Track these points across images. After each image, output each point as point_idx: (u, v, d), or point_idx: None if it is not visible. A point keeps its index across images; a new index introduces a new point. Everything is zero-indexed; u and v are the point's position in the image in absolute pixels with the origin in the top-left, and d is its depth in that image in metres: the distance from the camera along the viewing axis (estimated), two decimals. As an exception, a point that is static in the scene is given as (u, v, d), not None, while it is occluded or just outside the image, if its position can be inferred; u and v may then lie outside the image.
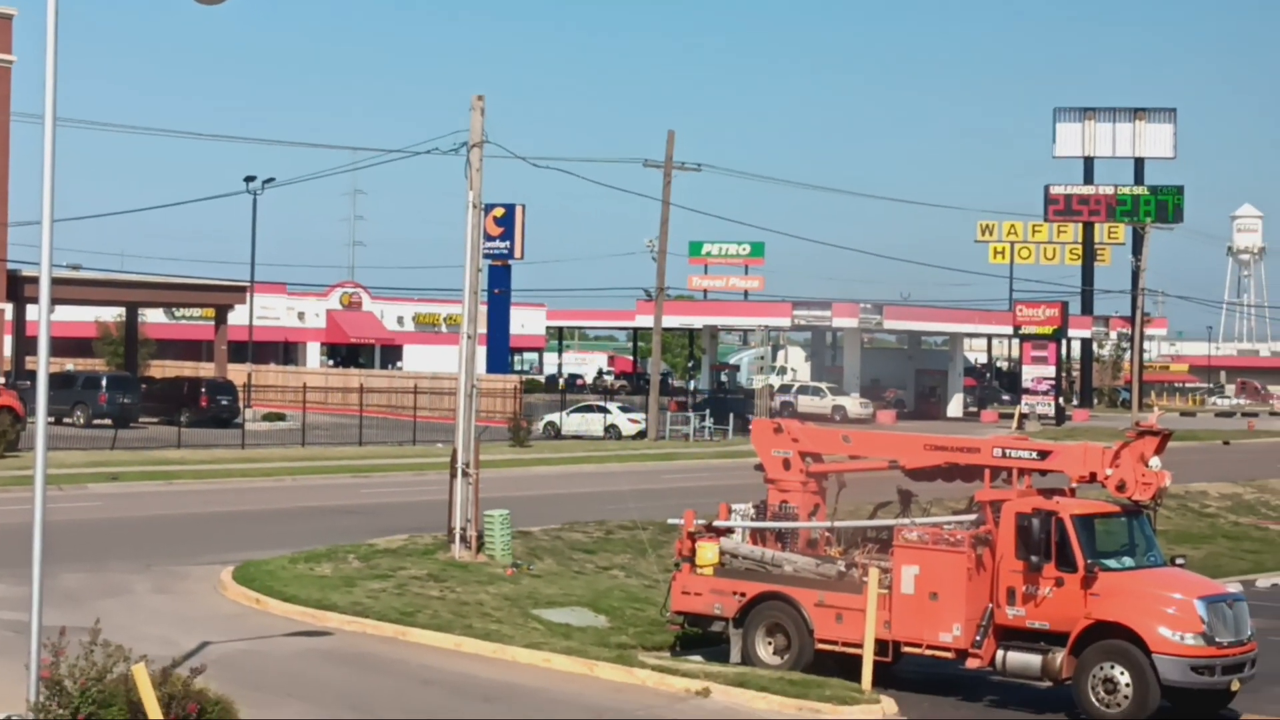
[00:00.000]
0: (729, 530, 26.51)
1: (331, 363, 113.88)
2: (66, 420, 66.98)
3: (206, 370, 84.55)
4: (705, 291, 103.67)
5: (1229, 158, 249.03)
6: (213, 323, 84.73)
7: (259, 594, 28.27)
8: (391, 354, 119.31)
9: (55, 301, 19.89)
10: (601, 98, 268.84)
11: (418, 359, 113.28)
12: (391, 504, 44.31)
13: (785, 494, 26.68)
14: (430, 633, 25.92)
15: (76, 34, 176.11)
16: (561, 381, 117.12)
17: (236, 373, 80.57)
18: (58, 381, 66.10)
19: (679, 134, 76.32)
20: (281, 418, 76.67)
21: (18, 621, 22.60)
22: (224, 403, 73.26)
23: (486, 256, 65.31)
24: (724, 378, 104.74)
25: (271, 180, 77.57)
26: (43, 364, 18.15)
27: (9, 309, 72.53)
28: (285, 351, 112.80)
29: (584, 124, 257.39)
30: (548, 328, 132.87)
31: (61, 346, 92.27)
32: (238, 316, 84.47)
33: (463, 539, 32.61)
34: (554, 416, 78.07)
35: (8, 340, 74.53)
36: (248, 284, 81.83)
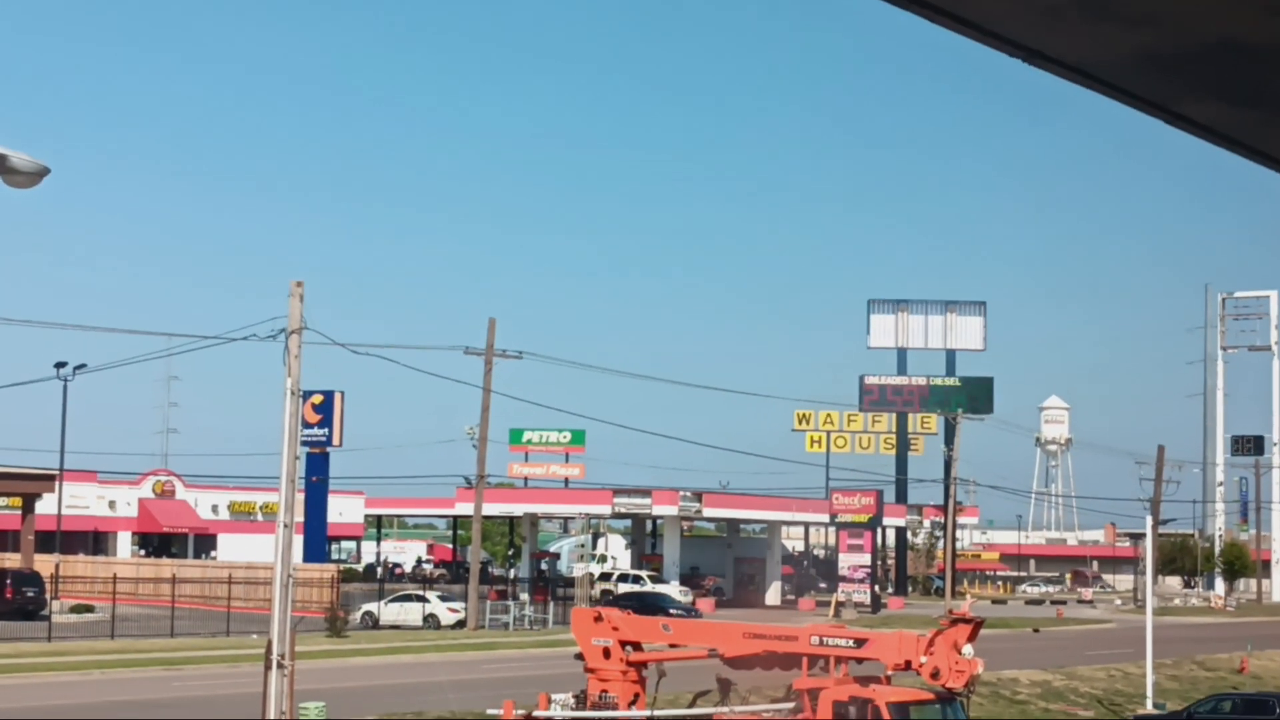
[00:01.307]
0: (549, 720, 26.20)
1: (143, 552, 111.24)
2: None
3: (12, 560, 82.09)
4: (526, 479, 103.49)
5: (1037, 349, 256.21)
6: (19, 511, 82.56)
7: None
8: (205, 543, 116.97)
9: None
10: (422, 284, 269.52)
11: (233, 548, 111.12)
12: (204, 697, 43.23)
13: (605, 683, 26.47)
14: None
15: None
16: (380, 570, 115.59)
17: (43, 563, 78.40)
18: None
19: (500, 321, 76.57)
20: (90, 609, 74.58)
21: None
22: (30, 594, 71.24)
23: (304, 444, 64.71)
24: (544, 565, 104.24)
25: (83, 366, 76.40)
26: None
27: None
28: (95, 541, 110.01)
29: (405, 310, 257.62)
30: (366, 515, 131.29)
31: None
32: (46, 505, 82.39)
33: (278, 732, 31.77)
34: (372, 606, 76.89)
35: None
36: (56, 472, 80.00)
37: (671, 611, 66.52)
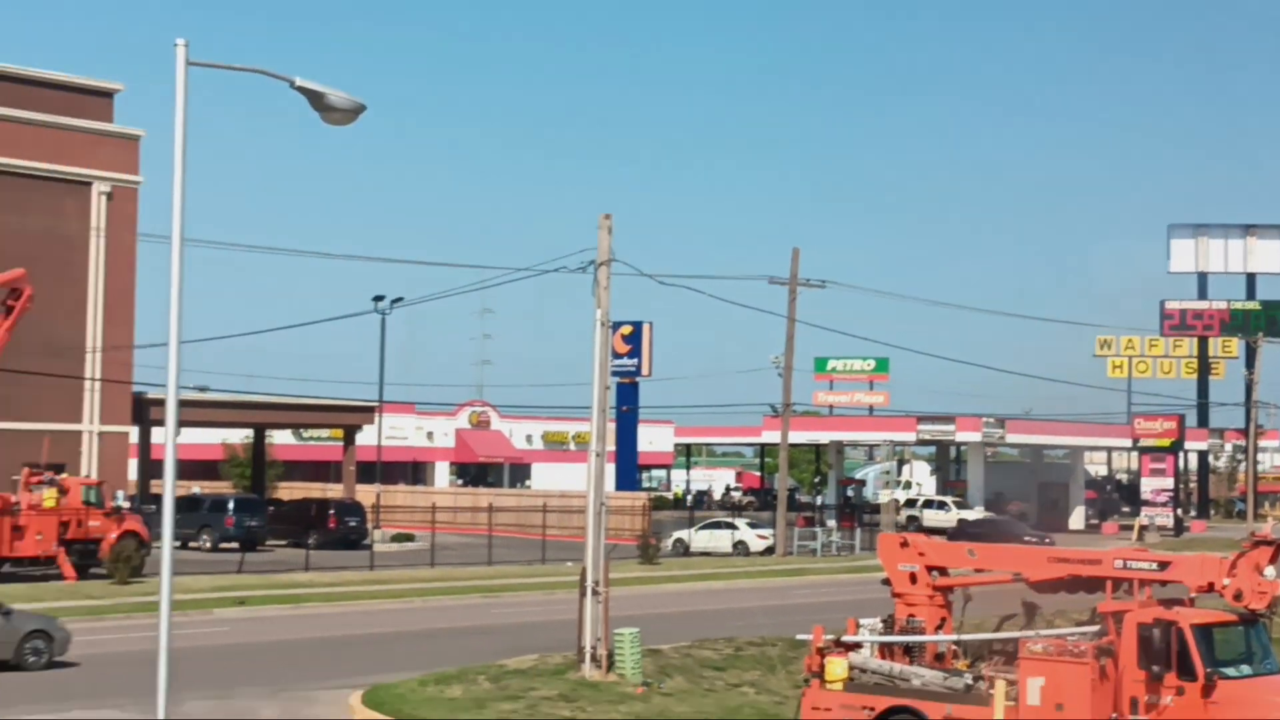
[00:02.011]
0: (857, 645, 26.37)
1: (460, 482, 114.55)
2: (193, 544, 67.80)
3: (335, 491, 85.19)
4: (831, 407, 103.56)
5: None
6: (341, 443, 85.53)
7: (388, 717, 28.17)
8: (520, 472, 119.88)
9: (182, 424, 19.80)
10: (727, 215, 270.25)
11: (546, 477, 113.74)
12: (521, 624, 44.27)
13: (912, 608, 26.55)
14: None
15: (203, 154, 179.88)
16: (689, 498, 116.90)
17: (365, 493, 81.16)
18: (184, 505, 66.94)
19: (804, 250, 76.42)
20: (410, 538, 77.04)
21: None
22: (352, 524, 73.67)
23: (614, 374, 65.51)
24: (850, 492, 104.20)
25: (400, 300, 78.59)
26: (168, 487, 18.18)
27: (134, 432, 73.61)
28: (414, 471, 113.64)
29: (710, 241, 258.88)
30: (675, 444, 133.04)
31: (188, 469, 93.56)
32: (366, 437, 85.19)
33: (593, 658, 32.48)
34: (682, 533, 77.86)
35: (133, 464, 75.57)
36: (376, 404, 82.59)
37: (1026, 539, 66.27)
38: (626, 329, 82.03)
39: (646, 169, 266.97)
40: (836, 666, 25.81)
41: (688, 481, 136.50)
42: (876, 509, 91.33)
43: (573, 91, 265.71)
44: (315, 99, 18.42)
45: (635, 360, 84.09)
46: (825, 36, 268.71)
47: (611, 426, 60.28)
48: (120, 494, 59.08)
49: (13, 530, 52.02)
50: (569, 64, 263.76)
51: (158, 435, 73.13)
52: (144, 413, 72.40)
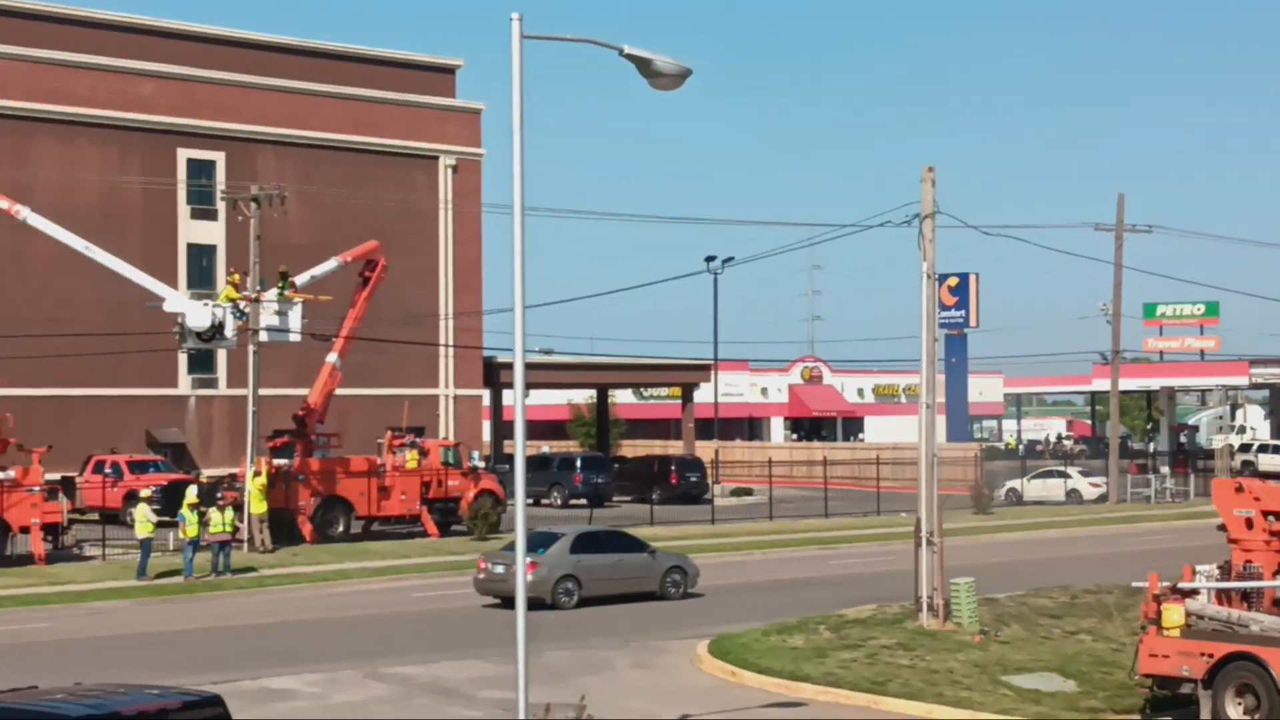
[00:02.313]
0: (1194, 592, 26.46)
1: (795, 436, 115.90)
2: (544, 501, 70.45)
3: (675, 448, 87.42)
4: (1161, 353, 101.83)
5: None
6: (679, 401, 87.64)
7: (734, 666, 29.07)
8: (853, 426, 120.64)
9: (529, 386, 21.10)
10: (1049, 164, 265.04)
11: (878, 430, 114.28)
12: (857, 575, 45.17)
13: (1249, 554, 26.51)
14: (902, 701, 26.27)
15: (541, 125, 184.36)
16: (1021, 448, 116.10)
17: (704, 449, 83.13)
18: (535, 464, 69.78)
19: (1128, 196, 75.50)
20: (749, 492, 78.65)
21: (505, 699, 24.24)
22: (693, 479, 75.57)
23: (942, 326, 65.99)
24: (1183, 438, 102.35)
25: (730, 259, 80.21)
26: (520, 447, 18.83)
27: (486, 395, 76.84)
28: (749, 427, 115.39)
29: (1032, 191, 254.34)
30: (1005, 394, 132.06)
31: (537, 429, 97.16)
32: (703, 394, 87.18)
33: (930, 607, 32.99)
34: (1015, 483, 77.82)
35: (486, 425, 78.92)
36: (711, 362, 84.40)
37: None
38: (953, 280, 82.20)
39: (969, 120, 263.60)
40: (1173, 613, 25.92)
41: (1018, 431, 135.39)
42: (1210, 454, 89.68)
43: (893, 44, 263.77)
44: (643, 65, 19.01)
45: (963, 311, 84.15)
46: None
47: (941, 378, 60.75)
48: (476, 454, 61.81)
49: (379, 491, 55.05)
50: (893, 16, 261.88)
51: (508, 397, 76.07)
52: (494, 376, 75.58)
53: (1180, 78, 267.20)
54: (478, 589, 38.34)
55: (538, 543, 37.36)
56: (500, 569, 37.15)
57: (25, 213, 48.42)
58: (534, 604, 29.31)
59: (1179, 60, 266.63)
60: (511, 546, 35.92)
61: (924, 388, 34.57)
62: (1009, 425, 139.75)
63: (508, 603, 35.53)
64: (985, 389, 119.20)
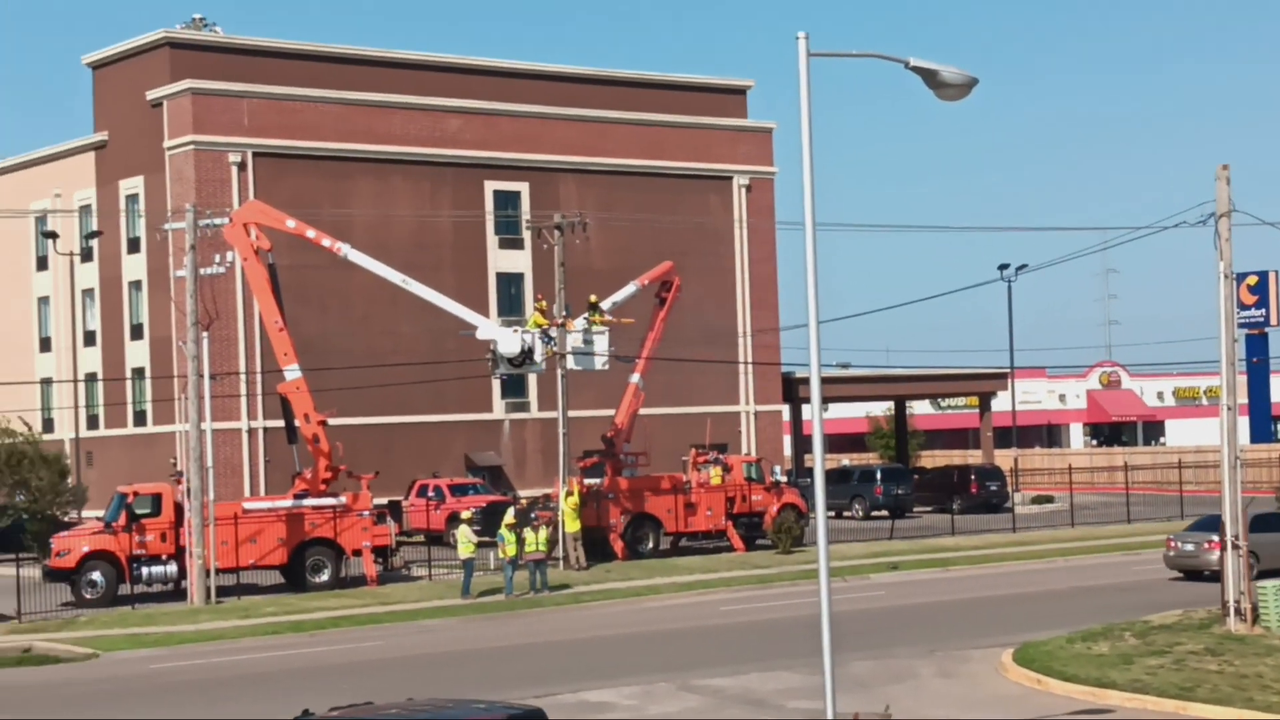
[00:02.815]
0: None
1: (1094, 442, 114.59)
2: (846, 513, 71.20)
3: (974, 457, 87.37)
4: None
5: None
6: (977, 410, 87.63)
7: (1039, 674, 29.19)
8: (1153, 430, 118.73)
9: (827, 400, 21.99)
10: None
11: (1180, 433, 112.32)
12: (1161, 579, 44.66)
13: None
14: (1211, 707, 26.06)
15: (831, 138, 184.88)
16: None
17: (1002, 458, 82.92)
18: (835, 476, 70.70)
19: None
20: (1049, 500, 78.22)
21: (813, 709, 25.01)
22: (993, 488, 75.43)
23: (1242, 325, 65.03)
24: None
25: (1024, 266, 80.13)
26: (819, 460, 19.35)
27: (785, 410, 78.05)
28: (1048, 434, 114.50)
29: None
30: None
31: (836, 443, 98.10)
32: (1000, 403, 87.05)
33: (1237, 611, 32.74)
34: (1324, 483, 75.92)
35: (787, 440, 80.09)
36: (1008, 370, 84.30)
37: None
38: (1252, 279, 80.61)
39: (1265, 114, 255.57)
40: None
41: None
42: None
43: (1184, 40, 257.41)
44: (929, 77, 19.26)
45: (1263, 310, 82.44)
46: None
47: (1242, 379, 60.01)
48: (777, 468, 62.91)
49: (685, 507, 56.48)
50: (1181, 8, 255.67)
51: (807, 412, 77.09)
52: (793, 391, 76.81)
53: None
54: (1167, 564, 45.12)
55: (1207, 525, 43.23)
56: (1190, 546, 44.22)
57: (346, 250, 50.97)
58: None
59: None
60: (1198, 526, 45.49)
61: (1224, 389, 34.09)
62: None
63: (1192, 576, 43.90)
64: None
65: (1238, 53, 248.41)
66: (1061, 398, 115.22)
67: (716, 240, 76.20)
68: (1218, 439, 35.34)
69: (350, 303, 67.29)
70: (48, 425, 72.36)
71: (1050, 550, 55.45)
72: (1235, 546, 33.23)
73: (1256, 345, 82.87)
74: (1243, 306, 76.76)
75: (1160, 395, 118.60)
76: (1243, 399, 67.09)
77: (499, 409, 72.18)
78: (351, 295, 66.53)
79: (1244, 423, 71.22)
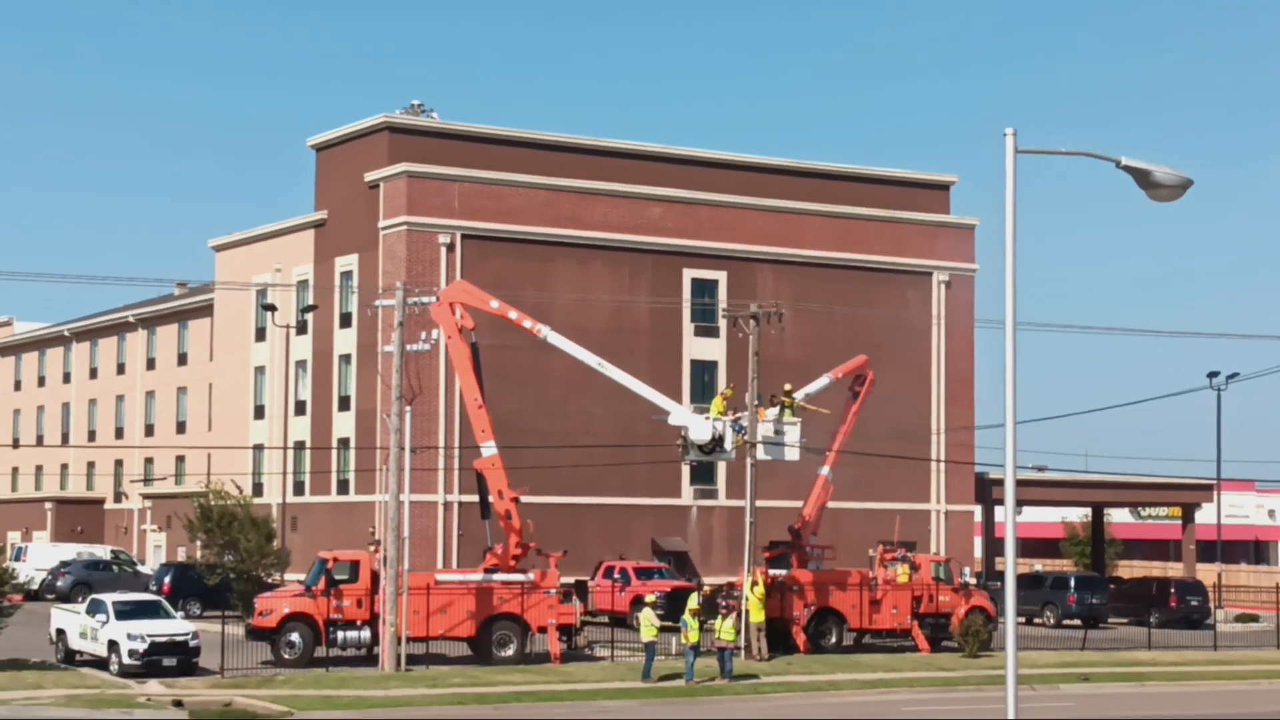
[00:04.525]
0: None
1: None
2: (1036, 620, 69.73)
3: (1174, 570, 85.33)
4: None
5: None
6: (1179, 521, 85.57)
7: None
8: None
9: (1021, 502, 21.62)
10: None
11: None
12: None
13: None
14: None
15: (1036, 236, 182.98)
16: None
17: (1205, 572, 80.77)
18: (1026, 582, 69.35)
19: None
20: (1254, 619, 75.87)
21: None
22: (1194, 603, 73.34)
23: None
24: None
25: (1235, 375, 78.23)
26: (1010, 564, 19.08)
27: (978, 511, 76.91)
28: (1255, 550, 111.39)
29: None
30: None
31: (1029, 547, 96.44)
32: (1205, 515, 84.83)
33: None
34: None
35: (977, 541, 78.88)
36: (1214, 481, 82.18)
37: None
38: None
39: None
40: None
41: None
42: None
43: None
44: (1141, 177, 19.02)
45: None
46: None
47: None
48: (966, 570, 62.03)
49: (870, 604, 55.86)
50: None
51: (1000, 514, 75.91)
52: (986, 492, 75.71)
53: None
54: None
55: None
56: None
57: (546, 331, 51.53)
58: None
59: None
60: None
61: None
62: None
63: None
64: None
65: None
66: (1271, 513, 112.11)
67: (912, 335, 75.62)
68: None
69: (547, 383, 67.94)
70: (258, 489, 74.13)
71: (1255, 671, 53.55)
72: None
73: None
74: None
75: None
76: None
77: (687, 495, 72.25)
78: (549, 376, 67.17)
79: None
